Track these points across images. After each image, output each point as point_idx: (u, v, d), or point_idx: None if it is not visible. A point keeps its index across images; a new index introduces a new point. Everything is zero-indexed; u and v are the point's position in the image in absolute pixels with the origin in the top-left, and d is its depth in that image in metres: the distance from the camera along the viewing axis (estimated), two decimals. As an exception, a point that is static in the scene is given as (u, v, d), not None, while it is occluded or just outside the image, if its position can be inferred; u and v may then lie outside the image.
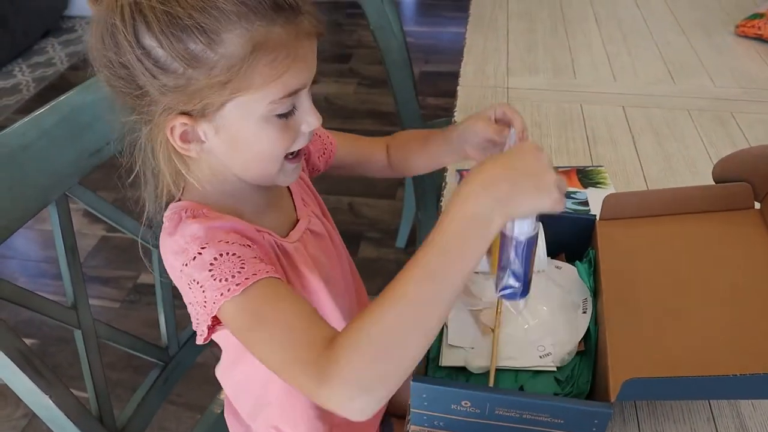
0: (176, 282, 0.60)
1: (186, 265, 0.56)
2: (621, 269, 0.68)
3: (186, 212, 0.60)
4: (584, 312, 0.69)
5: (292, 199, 0.74)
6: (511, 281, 0.55)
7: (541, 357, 0.65)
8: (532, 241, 0.53)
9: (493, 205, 0.47)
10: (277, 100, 0.56)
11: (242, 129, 0.57)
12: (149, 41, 0.52)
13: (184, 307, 0.63)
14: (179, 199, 0.65)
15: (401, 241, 2.00)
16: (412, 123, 1.29)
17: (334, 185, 2.10)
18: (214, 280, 0.54)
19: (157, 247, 0.88)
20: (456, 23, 3.37)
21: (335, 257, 0.78)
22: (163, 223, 0.63)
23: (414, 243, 1.92)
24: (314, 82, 0.61)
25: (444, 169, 1.03)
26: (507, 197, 0.47)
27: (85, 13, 3.65)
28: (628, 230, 0.73)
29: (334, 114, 2.70)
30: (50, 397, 0.68)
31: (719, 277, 0.65)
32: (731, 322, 0.59)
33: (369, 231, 2.07)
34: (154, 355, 0.92)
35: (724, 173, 0.73)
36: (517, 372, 0.64)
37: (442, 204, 0.95)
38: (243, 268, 0.54)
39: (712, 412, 0.64)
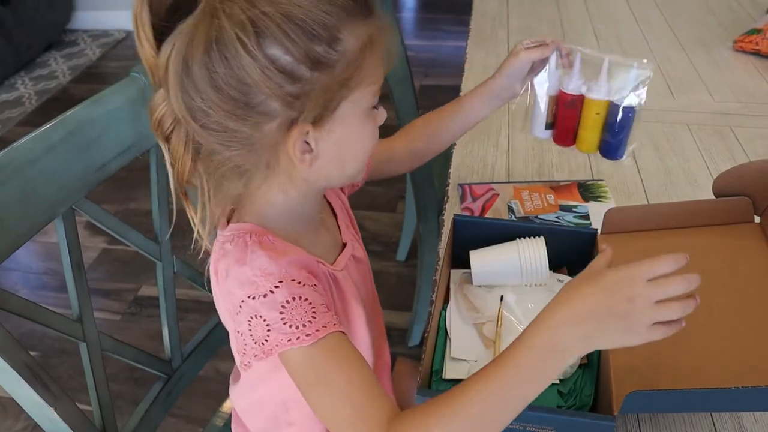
0: (227, 306, 0.60)
1: (253, 298, 0.55)
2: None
3: (251, 237, 0.59)
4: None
5: (336, 219, 0.73)
6: None
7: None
8: None
9: (576, 343, 0.48)
10: (377, 90, 0.58)
11: (351, 126, 0.58)
12: (275, 50, 0.50)
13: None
14: (229, 218, 0.63)
15: (402, 254, 2.00)
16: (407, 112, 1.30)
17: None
18: (284, 324, 0.53)
19: (160, 260, 0.89)
20: (455, 37, 3.40)
21: (370, 283, 0.77)
22: (215, 241, 0.62)
23: (414, 256, 1.93)
24: None
25: (445, 183, 1.04)
26: (592, 336, 0.48)
27: (87, 26, 3.68)
28: (630, 244, 0.74)
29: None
30: (55, 410, 0.69)
31: (720, 290, 0.65)
32: (732, 335, 0.60)
33: (370, 244, 2.07)
34: (158, 368, 0.92)
35: (724, 187, 0.74)
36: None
37: (443, 218, 0.96)
38: (314, 317, 0.54)
39: (714, 425, 0.65)
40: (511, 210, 0.97)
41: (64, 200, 0.73)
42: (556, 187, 1.01)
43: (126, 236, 0.85)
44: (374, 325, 0.77)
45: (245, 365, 0.59)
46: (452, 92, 1.27)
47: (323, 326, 0.54)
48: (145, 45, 0.54)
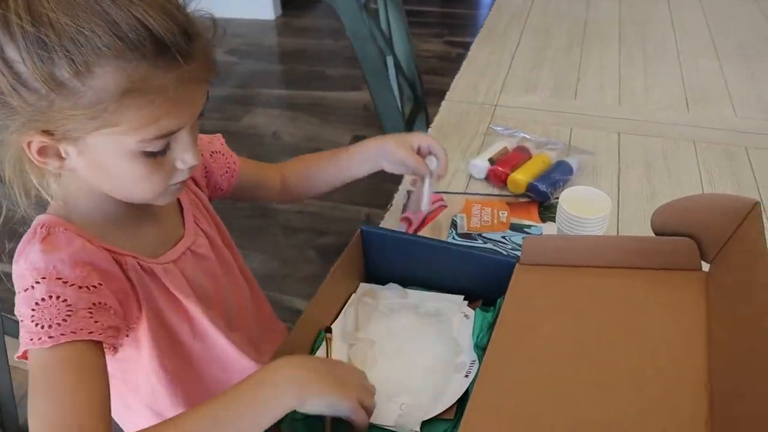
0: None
1: (18, 292, 0.53)
2: (518, 326, 0.59)
3: (42, 228, 0.56)
4: (466, 376, 0.60)
5: (183, 214, 0.70)
6: None
7: (399, 416, 0.57)
8: None
9: (291, 384, 0.52)
10: (147, 140, 0.52)
11: (108, 158, 0.53)
12: (12, 54, 0.48)
13: None
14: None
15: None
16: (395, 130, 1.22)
17: (353, 196, 2.06)
18: (32, 322, 0.51)
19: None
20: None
21: (226, 285, 0.72)
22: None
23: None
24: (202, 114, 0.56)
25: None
26: (306, 384, 0.53)
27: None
28: (546, 279, 0.64)
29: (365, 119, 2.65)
30: None
31: (629, 353, 0.54)
32: (622, 418, 0.49)
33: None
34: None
35: (665, 224, 0.62)
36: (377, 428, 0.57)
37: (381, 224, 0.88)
38: (65, 320, 0.51)
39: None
40: (453, 225, 0.87)
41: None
42: (513, 204, 0.91)
43: None
44: (239, 329, 0.73)
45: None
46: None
47: (71, 332, 0.51)
48: None
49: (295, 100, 2.86)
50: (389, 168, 0.82)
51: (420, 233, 0.85)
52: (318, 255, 1.90)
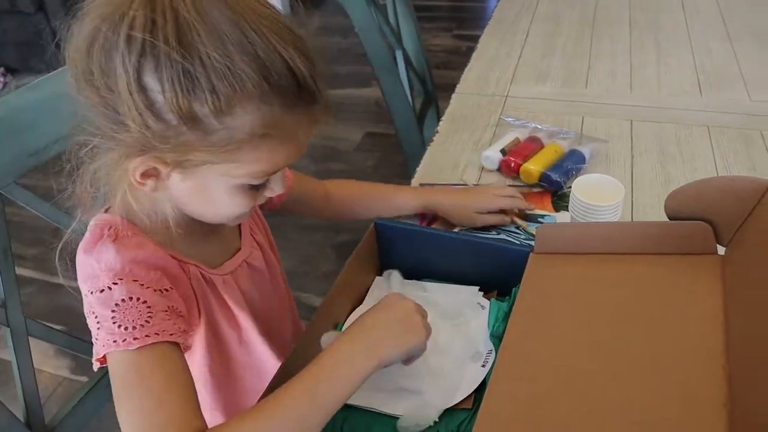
0: (84, 299, 0.57)
1: (92, 293, 0.53)
2: (534, 315, 0.59)
3: (109, 229, 0.56)
4: (483, 366, 0.61)
5: (240, 226, 0.70)
6: None
7: (418, 406, 0.58)
8: None
9: (368, 346, 0.53)
10: (259, 175, 0.52)
11: (211, 188, 0.53)
12: (151, 82, 0.45)
13: None
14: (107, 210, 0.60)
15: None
16: (407, 132, 1.23)
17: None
18: (114, 323, 0.51)
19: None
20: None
21: (271, 294, 0.73)
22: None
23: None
24: None
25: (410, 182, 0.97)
26: (380, 339, 0.54)
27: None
28: (560, 268, 0.64)
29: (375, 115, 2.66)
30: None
31: (646, 339, 0.54)
32: (639, 404, 0.49)
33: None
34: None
35: (679, 208, 0.62)
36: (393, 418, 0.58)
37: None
38: (148, 322, 0.51)
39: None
40: (467, 218, 0.88)
41: (-9, 185, 0.73)
42: (526, 194, 0.91)
43: (61, 222, 0.84)
44: (279, 340, 0.74)
45: (95, 365, 0.56)
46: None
47: (155, 333, 0.51)
48: None
49: (306, 99, 2.87)
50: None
51: (433, 226, 0.86)
52: (336, 253, 1.91)
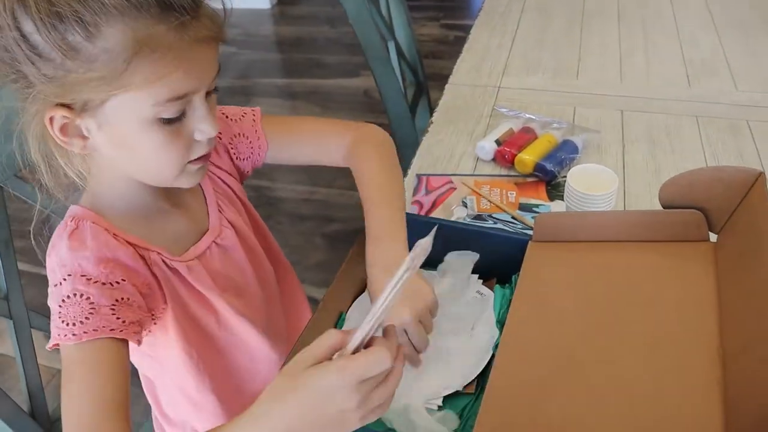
0: None
1: (50, 286, 0.56)
2: (534, 302, 0.61)
3: (72, 221, 0.58)
4: (486, 352, 0.62)
5: (207, 203, 0.70)
6: None
7: (420, 391, 0.60)
8: None
9: None
10: (162, 103, 0.53)
11: (126, 129, 0.54)
12: (28, 26, 0.49)
13: None
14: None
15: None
16: (401, 119, 1.24)
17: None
18: (59, 318, 0.54)
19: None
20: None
21: (250, 270, 0.73)
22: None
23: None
24: (216, 90, 0.58)
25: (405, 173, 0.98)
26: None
27: None
28: (559, 255, 0.66)
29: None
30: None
31: (642, 323, 0.56)
32: (637, 384, 0.51)
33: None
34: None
35: (672, 197, 0.64)
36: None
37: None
38: (88, 319, 0.53)
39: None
40: (464, 206, 0.89)
41: (-12, 178, 0.73)
42: (521, 184, 0.93)
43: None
44: (263, 311, 0.74)
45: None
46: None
47: (93, 330, 0.53)
48: None
49: (294, 89, 2.86)
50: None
51: (431, 215, 0.87)
52: (326, 242, 1.92)
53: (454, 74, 1.25)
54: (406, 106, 1.26)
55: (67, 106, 0.52)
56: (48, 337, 0.56)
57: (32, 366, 0.83)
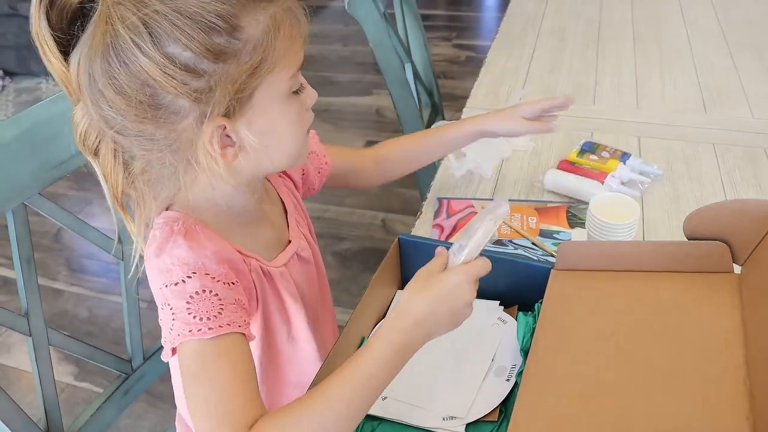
0: (155, 295, 0.59)
1: (167, 286, 0.55)
2: (559, 330, 0.61)
3: (178, 225, 0.58)
4: (507, 380, 0.62)
5: (286, 216, 0.72)
6: None
7: (443, 419, 0.60)
8: None
9: (421, 340, 0.55)
10: (294, 74, 0.57)
11: (272, 112, 0.56)
12: (172, 47, 0.49)
13: (152, 318, 0.62)
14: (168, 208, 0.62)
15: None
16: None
17: (368, 201, 2.09)
18: (189, 314, 0.54)
19: (121, 259, 0.89)
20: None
21: (316, 284, 0.75)
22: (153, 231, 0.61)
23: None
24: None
25: (426, 194, 0.99)
26: (431, 331, 0.56)
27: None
28: (582, 284, 0.66)
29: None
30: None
31: (668, 354, 0.57)
32: (663, 415, 0.51)
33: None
34: (113, 365, 0.92)
35: (697, 229, 0.64)
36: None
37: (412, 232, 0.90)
38: (220, 313, 0.54)
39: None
40: (484, 231, 0.89)
41: (15, 196, 0.74)
42: (542, 209, 0.93)
43: (83, 233, 0.85)
44: (320, 328, 0.75)
45: (164, 354, 0.59)
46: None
47: (227, 324, 0.54)
48: (52, 61, 0.53)
49: (306, 106, 2.88)
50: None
51: (451, 240, 0.88)
52: (337, 260, 1.92)
53: (472, 97, 1.26)
54: (423, 128, 1.28)
55: (225, 117, 0.54)
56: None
57: (49, 383, 0.83)
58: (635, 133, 1.13)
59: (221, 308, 0.54)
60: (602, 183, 0.95)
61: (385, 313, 0.75)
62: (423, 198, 1.00)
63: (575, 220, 0.91)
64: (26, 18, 0.53)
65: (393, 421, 0.62)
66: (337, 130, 2.64)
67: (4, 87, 3.13)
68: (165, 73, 0.49)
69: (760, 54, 1.39)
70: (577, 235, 0.88)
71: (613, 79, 1.32)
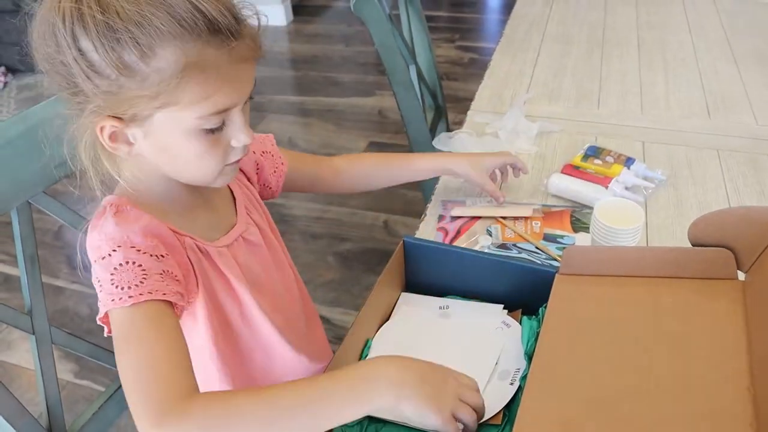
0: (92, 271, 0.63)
1: (95, 261, 0.59)
2: (563, 334, 0.61)
3: (112, 206, 0.62)
4: (511, 384, 0.63)
5: (235, 203, 0.74)
6: None
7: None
8: None
9: (387, 392, 0.53)
10: (205, 116, 0.57)
11: (170, 138, 0.59)
12: (86, 44, 0.53)
13: None
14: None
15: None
16: (421, 145, 1.25)
17: (370, 201, 2.09)
18: (112, 284, 0.56)
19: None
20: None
21: (274, 270, 0.76)
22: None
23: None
24: (251, 97, 0.63)
25: (431, 196, 0.99)
26: (402, 394, 0.53)
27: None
28: (586, 289, 0.66)
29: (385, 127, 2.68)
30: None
31: (672, 360, 0.57)
32: (666, 422, 0.51)
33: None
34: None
35: (701, 236, 0.64)
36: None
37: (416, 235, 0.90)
38: (142, 282, 0.57)
39: None
40: (489, 234, 0.90)
41: (20, 194, 0.74)
42: (547, 213, 0.93)
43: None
44: (284, 315, 0.76)
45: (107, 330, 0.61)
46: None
47: (148, 292, 0.56)
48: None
49: (308, 107, 2.88)
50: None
51: (455, 243, 0.88)
52: (338, 261, 1.92)
53: (476, 100, 1.26)
54: (427, 130, 1.28)
55: (117, 117, 0.57)
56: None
57: (52, 381, 0.83)
58: (639, 138, 1.13)
59: (144, 278, 0.57)
60: (606, 188, 0.95)
61: (389, 315, 0.75)
62: (427, 200, 1.00)
63: (579, 224, 0.91)
64: (29, 15, 0.58)
65: (397, 423, 0.62)
66: (339, 130, 2.64)
67: (6, 84, 3.13)
68: (75, 60, 0.54)
69: (764, 60, 1.40)
70: (581, 239, 0.88)
71: (618, 84, 1.32)
